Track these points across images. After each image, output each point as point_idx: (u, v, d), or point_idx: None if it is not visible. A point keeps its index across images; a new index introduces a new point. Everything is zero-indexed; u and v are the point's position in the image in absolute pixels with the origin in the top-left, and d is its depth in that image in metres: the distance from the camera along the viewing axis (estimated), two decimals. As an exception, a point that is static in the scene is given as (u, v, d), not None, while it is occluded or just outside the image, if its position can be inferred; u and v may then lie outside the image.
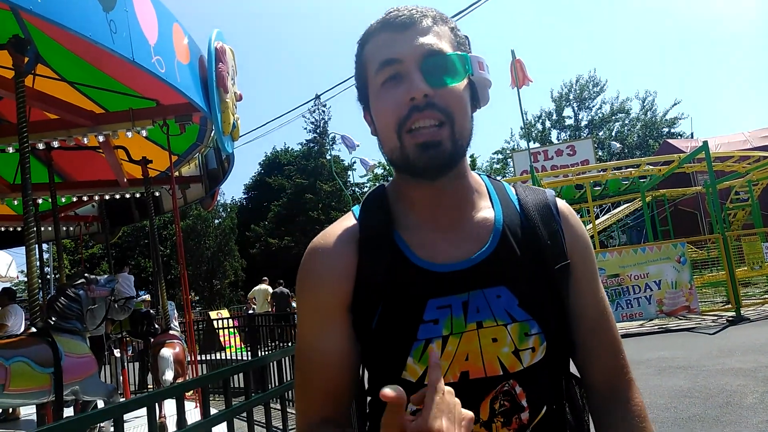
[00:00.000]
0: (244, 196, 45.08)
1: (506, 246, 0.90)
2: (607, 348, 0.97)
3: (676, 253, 10.04)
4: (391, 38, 0.88)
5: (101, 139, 5.06)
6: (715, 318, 10.14)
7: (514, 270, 0.89)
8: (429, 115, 0.85)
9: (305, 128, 37.02)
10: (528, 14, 67.92)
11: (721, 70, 65.88)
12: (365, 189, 39.74)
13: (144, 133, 4.91)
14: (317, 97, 31.77)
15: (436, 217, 0.93)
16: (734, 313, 10.04)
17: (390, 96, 0.87)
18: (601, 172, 15.79)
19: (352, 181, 36.21)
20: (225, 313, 17.10)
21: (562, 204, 1.00)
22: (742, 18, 62.97)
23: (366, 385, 0.99)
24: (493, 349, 0.86)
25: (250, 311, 14.24)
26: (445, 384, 0.82)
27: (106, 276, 5.13)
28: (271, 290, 15.65)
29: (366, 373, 0.99)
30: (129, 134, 4.83)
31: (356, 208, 0.99)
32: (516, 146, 40.03)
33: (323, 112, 35.93)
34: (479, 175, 1.01)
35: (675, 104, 43.03)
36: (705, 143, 11.21)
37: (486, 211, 0.94)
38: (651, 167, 14.72)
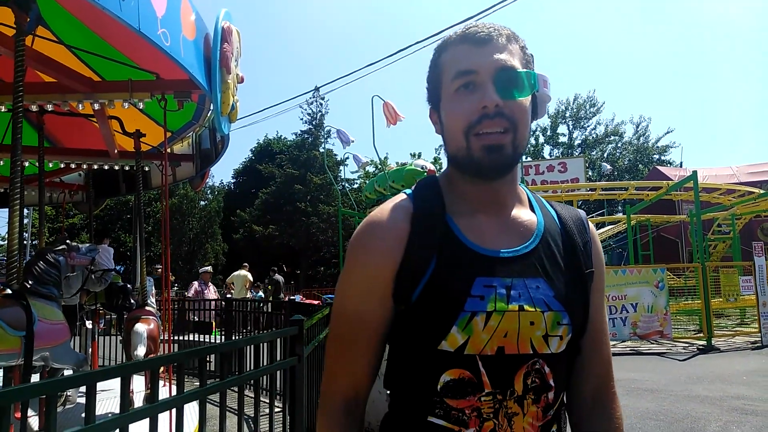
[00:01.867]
0: (232, 181, 44.86)
1: (546, 246, 1.01)
2: (602, 359, 1.09)
3: (655, 278, 10.18)
4: (470, 51, 0.99)
5: (96, 107, 4.99)
6: (687, 345, 10.30)
7: (551, 267, 0.99)
8: (497, 123, 0.95)
9: (301, 119, 36.95)
10: (529, 31, 68.26)
11: (714, 104, 66.86)
12: (355, 185, 39.67)
13: (141, 105, 4.85)
14: (317, 89, 31.71)
15: (485, 211, 1.02)
16: (705, 342, 10.21)
17: (463, 102, 0.98)
18: (590, 192, 15.93)
19: (342, 176, 36.16)
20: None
21: (590, 222, 1.13)
22: (740, 56, 63.96)
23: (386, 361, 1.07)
24: (528, 330, 0.94)
25: (228, 296, 14.16)
26: (483, 356, 0.92)
27: (87, 245, 5.07)
28: (250, 277, 15.60)
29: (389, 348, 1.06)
30: (126, 105, 4.77)
31: (409, 191, 1.07)
32: (508, 158, 40.19)
33: (321, 104, 35.86)
34: (521, 185, 1.11)
35: (668, 132, 43.47)
36: (694, 173, 11.37)
37: (528, 214, 1.06)
38: (639, 192, 14.88)
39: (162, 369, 5.57)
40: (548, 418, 0.96)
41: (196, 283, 11.12)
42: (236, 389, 2.65)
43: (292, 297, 18.39)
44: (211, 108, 5.61)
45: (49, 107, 5.08)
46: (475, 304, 0.92)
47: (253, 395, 3.03)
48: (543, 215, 1.06)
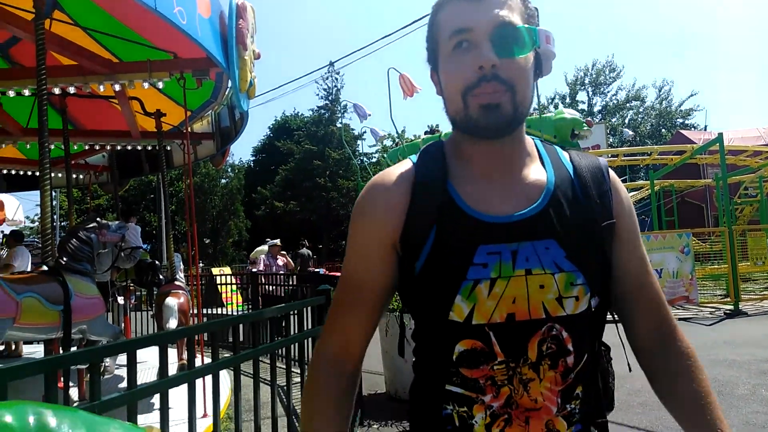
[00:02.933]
0: (252, 159, 45.11)
1: (556, 204, 0.96)
2: (654, 300, 1.04)
3: (680, 243, 10.06)
4: (466, 7, 0.94)
5: (117, 88, 5.06)
6: (713, 310, 10.22)
7: (562, 226, 0.94)
8: (493, 86, 0.92)
9: (317, 95, 36.97)
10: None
11: (738, 65, 64.60)
12: (373, 159, 39.58)
13: (160, 85, 4.91)
14: (331, 64, 31.43)
15: (490, 174, 0.99)
16: (732, 306, 10.12)
17: (459, 62, 0.94)
18: (612, 158, 15.66)
19: (360, 151, 36.09)
20: (227, 270, 17.31)
21: (611, 171, 1.07)
22: (765, 16, 61.43)
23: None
24: (539, 294, 0.91)
25: (254, 270, 14.41)
26: (493, 324, 0.91)
27: (117, 222, 5.21)
28: (274, 252, 15.80)
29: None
30: (146, 85, 4.83)
31: (413, 157, 1.05)
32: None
33: (336, 79, 35.64)
34: (532, 138, 1.07)
35: (691, 95, 42.49)
36: (720, 135, 11.11)
37: (538, 172, 1.01)
38: (662, 156, 14.60)
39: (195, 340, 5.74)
40: (569, 382, 0.93)
41: (263, 257, 10.70)
42: (268, 361, 2.74)
43: (316, 270, 18.62)
44: (229, 85, 5.64)
45: (71, 89, 5.17)
46: (477, 272, 0.91)
47: (284, 366, 3.11)
48: (555, 170, 1.01)
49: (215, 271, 16.70)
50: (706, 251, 14.59)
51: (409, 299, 1.00)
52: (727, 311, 9.96)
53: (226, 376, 4.73)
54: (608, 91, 41.35)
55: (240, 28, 4.17)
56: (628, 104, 41.24)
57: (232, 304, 11.41)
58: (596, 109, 41.41)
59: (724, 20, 65.77)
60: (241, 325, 3.31)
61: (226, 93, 6.35)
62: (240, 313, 9.92)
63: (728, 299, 10.55)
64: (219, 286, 12.14)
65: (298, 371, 3.39)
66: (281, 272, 10.01)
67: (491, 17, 0.92)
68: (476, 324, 0.91)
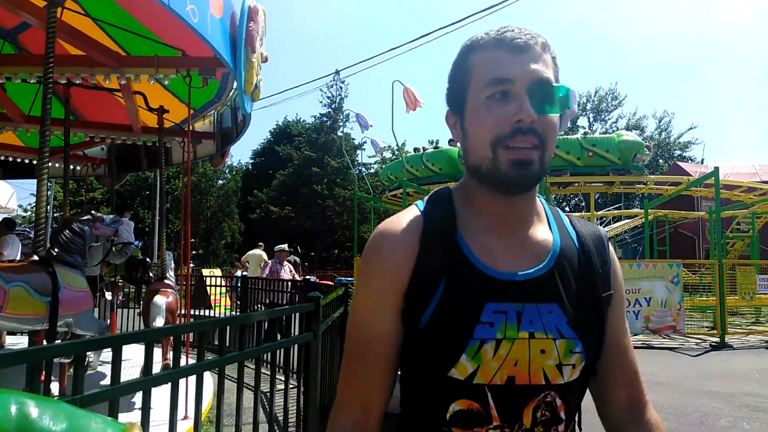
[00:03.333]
0: (250, 161, 45.09)
1: (561, 268, 0.96)
2: (631, 371, 1.06)
3: (670, 273, 10.10)
4: (506, 58, 0.92)
5: (123, 81, 5.06)
6: (699, 341, 10.24)
7: (565, 291, 0.94)
8: (529, 139, 0.90)
9: (321, 102, 36.99)
10: (551, 21, 67.14)
11: (738, 101, 65.36)
12: (372, 169, 39.66)
13: (166, 82, 4.93)
14: (337, 72, 31.55)
15: (499, 228, 0.97)
16: (719, 339, 10.14)
17: (494, 111, 0.91)
18: (608, 185, 15.75)
19: (359, 161, 36.17)
20: (217, 272, 17.23)
21: (609, 241, 1.08)
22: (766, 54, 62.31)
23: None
24: (540, 359, 0.90)
25: (237, 273, 14.34)
26: (493, 386, 0.89)
27: (111, 216, 5.18)
28: (265, 256, 15.78)
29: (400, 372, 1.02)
30: (152, 81, 4.84)
31: (420, 203, 1.03)
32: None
33: (341, 88, 35.80)
34: (539, 198, 1.06)
35: (690, 128, 42.75)
36: (716, 169, 11.21)
37: (545, 232, 1.00)
38: (658, 186, 14.71)
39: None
40: None
41: (270, 262, 10.40)
42: (253, 366, 2.72)
43: (307, 277, 18.58)
44: (234, 86, 5.66)
45: (78, 80, 5.17)
46: (484, 331, 0.89)
47: (269, 372, 3.10)
48: (560, 233, 1.01)
49: (206, 272, 16.61)
50: (695, 283, 14.67)
51: (409, 353, 0.96)
52: (713, 343, 9.99)
53: (209, 379, 4.69)
54: (609, 119, 41.77)
55: (250, 30, 4.19)
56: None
57: (220, 306, 11.35)
58: (596, 135, 41.71)
59: (727, 53, 66.64)
60: (228, 328, 3.29)
61: (231, 94, 6.37)
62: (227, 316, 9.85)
63: (715, 331, 10.58)
64: (208, 288, 12.06)
65: (283, 378, 3.37)
66: (287, 279, 9.67)
67: (531, 71, 0.91)
68: (477, 383, 0.89)
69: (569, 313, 0.93)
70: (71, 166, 8.93)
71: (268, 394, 3.14)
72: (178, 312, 5.70)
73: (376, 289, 0.95)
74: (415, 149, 17.34)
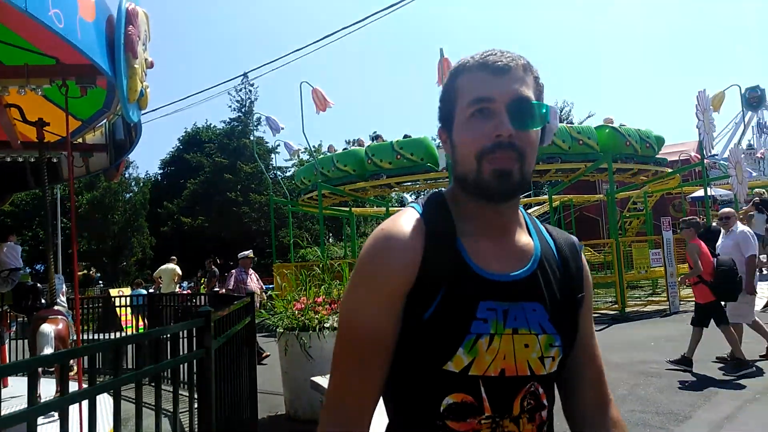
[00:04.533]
0: (159, 171, 43.10)
1: (543, 270, 1.05)
2: (597, 371, 1.17)
3: (574, 255, 10.70)
4: (488, 79, 1.01)
5: (-10, 94, 4.64)
6: (601, 316, 10.96)
7: (547, 291, 1.04)
8: (509, 154, 0.98)
9: (230, 106, 35.88)
10: (459, 14, 69.40)
11: (634, 92, 70.62)
12: (288, 173, 39.05)
13: (40, 92, 4.55)
14: (245, 75, 30.81)
15: (489, 233, 1.05)
16: (620, 312, 10.89)
17: (477, 127, 1.00)
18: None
19: (274, 164, 35.55)
20: (127, 291, 16.31)
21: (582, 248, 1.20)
22: (661, 42, 67.78)
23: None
24: (524, 353, 0.99)
25: (141, 290, 13.63)
26: (486, 378, 0.97)
27: (-17, 243, 4.75)
28: (179, 270, 15.17)
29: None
30: (22, 91, 4.46)
31: (416, 206, 1.09)
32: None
33: (250, 91, 34.97)
34: (520, 209, 1.14)
35: (589, 116, 45.48)
36: (608, 154, 12.01)
37: (527, 238, 1.10)
38: (559, 174, 15.53)
39: (74, 371, 5.32)
40: None
41: (234, 272, 9.45)
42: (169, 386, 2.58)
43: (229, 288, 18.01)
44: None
45: (-64, 95, 4.67)
46: (479, 326, 0.96)
47: (172, 390, 2.94)
48: (539, 240, 1.11)
49: (113, 292, 15.71)
50: (600, 261, 15.66)
51: (408, 346, 0.99)
52: (615, 316, 10.73)
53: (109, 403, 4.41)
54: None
55: (129, 34, 3.96)
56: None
57: (131, 327, 10.76)
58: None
59: (623, 38, 71.67)
60: (131, 348, 3.10)
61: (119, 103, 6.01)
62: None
63: (616, 305, 11.35)
64: (117, 309, 11.38)
65: (187, 394, 3.24)
66: (255, 289, 8.87)
67: (511, 90, 1.00)
68: (471, 375, 0.96)
69: (550, 311, 1.02)
70: (-55, 189, 8.11)
71: (171, 412, 3.00)
72: (72, 338, 5.32)
73: (379, 290, 0.98)
74: (330, 147, 17.27)
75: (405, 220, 1.04)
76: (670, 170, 15.83)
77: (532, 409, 1.00)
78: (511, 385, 0.98)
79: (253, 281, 9.38)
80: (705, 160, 13.49)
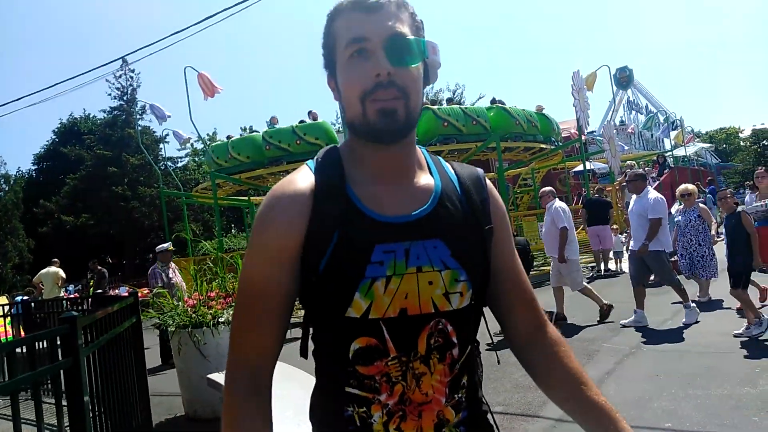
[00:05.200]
0: (33, 167, 39.30)
1: (443, 207, 1.05)
2: (529, 296, 1.17)
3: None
4: (361, 18, 1.00)
5: None
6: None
7: (448, 227, 1.03)
8: (391, 92, 0.98)
9: (109, 94, 33.16)
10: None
11: (523, 69, 74.41)
12: (180, 164, 37.12)
13: None
14: (124, 59, 28.59)
15: (384, 177, 1.05)
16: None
17: (357, 69, 1.00)
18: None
19: (164, 155, 33.62)
20: (3, 300, 14.78)
21: (487, 179, 1.18)
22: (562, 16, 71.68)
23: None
24: (428, 290, 0.99)
25: (24, 297, 12.48)
26: (387, 319, 0.98)
27: None
28: (62, 273, 13.98)
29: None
30: None
31: (311, 162, 1.09)
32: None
33: (131, 77, 32.54)
34: (420, 148, 1.14)
35: (480, 98, 47.26)
36: (496, 135, 12.55)
37: (426, 178, 1.09)
38: (452, 154, 16.04)
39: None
40: (455, 373, 1.02)
41: (158, 270, 8.18)
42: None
43: (116, 290, 16.84)
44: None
45: None
46: (374, 270, 0.96)
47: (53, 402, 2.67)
48: (440, 177, 1.10)
49: (-14, 301, 14.16)
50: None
51: (310, 298, 1.02)
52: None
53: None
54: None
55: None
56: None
57: (11, 338, 9.73)
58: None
59: (509, 16, 75.00)
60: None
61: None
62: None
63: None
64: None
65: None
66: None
67: (385, 28, 0.99)
68: (372, 318, 0.97)
69: (453, 245, 1.02)
70: None
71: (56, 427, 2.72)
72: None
73: (271, 246, 1.00)
74: (228, 137, 16.55)
75: (295, 177, 1.06)
76: (553, 147, 16.88)
77: (440, 347, 1.00)
78: (414, 323, 0.98)
79: (177, 276, 8.30)
80: (583, 137, 14.52)
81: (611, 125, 15.69)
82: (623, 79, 28.98)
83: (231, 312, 4.98)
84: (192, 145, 29.75)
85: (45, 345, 2.49)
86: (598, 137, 20.74)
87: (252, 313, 1.02)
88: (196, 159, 37.32)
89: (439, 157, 1.18)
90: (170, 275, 8.18)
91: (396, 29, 1.00)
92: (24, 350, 2.45)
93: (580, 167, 17.70)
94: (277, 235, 1.00)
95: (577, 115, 13.07)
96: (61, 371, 2.55)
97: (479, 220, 1.08)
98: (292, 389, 3.18)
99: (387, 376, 0.98)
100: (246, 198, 20.16)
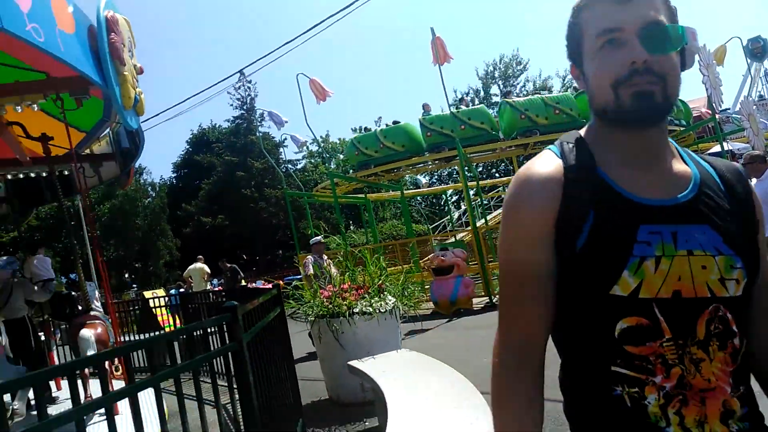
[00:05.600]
0: (173, 175, 43.62)
1: (705, 195, 1.00)
2: None
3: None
4: (613, 8, 0.98)
5: (-11, 115, 4.76)
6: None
7: (715, 214, 0.98)
8: (647, 78, 0.95)
9: (231, 105, 36.00)
10: (459, -14, 68.11)
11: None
12: (299, 165, 39.18)
13: (35, 108, 4.67)
14: (241, 72, 30.72)
15: (637, 161, 1.01)
16: (488, 299, 10.72)
17: (609, 57, 0.98)
18: (521, 147, 16.14)
19: (284, 158, 35.70)
20: (160, 292, 16.67)
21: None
22: None
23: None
24: (702, 275, 0.93)
25: (180, 290, 13.96)
26: (659, 300, 0.93)
27: (5, 258, 4.96)
28: (207, 268, 15.41)
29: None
30: (19, 109, 4.59)
31: (553, 147, 1.08)
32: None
33: (249, 88, 34.96)
34: (669, 140, 1.10)
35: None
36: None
37: (681, 165, 1.05)
38: (538, 146, 15.24)
39: (120, 372, 5.56)
40: (739, 363, 0.96)
41: (309, 259, 8.65)
42: (209, 380, 2.71)
43: (254, 283, 18.19)
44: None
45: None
46: (642, 249, 0.93)
47: (225, 384, 3.00)
48: (696, 167, 1.05)
49: (147, 294, 16.06)
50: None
51: (568, 276, 0.99)
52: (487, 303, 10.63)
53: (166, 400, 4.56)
54: (517, 83, 42.73)
55: (113, 42, 4.03)
56: (537, 94, 42.70)
57: (171, 326, 10.96)
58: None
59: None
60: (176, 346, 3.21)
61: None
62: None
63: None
64: (154, 309, 11.63)
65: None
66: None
67: (640, 16, 0.97)
68: (642, 298, 0.92)
69: (723, 232, 0.97)
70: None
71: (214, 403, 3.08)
72: (113, 341, 5.54)
73: (526, 229, 1.00)
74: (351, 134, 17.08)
75: (540, 161, 1.05)
76: (682, 129, 15.44)
77: (720, 334, 0.94)
78: (690, 307, 0.93)
79: (331, 265, 8.43)
80: (717, 115, 13.12)
81: (749, 101, 13.93)
82: (757, 50, 25.47)
83: (365, 303, 5.19)
84: (307, 147, 31.20)
85: (200, 333, 2.74)
86: (734, 115, 18.57)
87: (519, 292, 1.02)
88: (312, 161, 39.09)
89: (690, 151, 1.13)
90: (323, 266, 8.67)
91: (651, 16, 0.97)
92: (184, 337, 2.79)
93: (715, 148, 16.05)
94: (532, 218, 0.99)
95: (708, 92, 11.76)
96: (229, 354, 2.88)
97: (746, 211, 1.03)
98: (431, 380, 3.29)
99: (662, 358, 0.92)
100: (363, 195, 20.73)
